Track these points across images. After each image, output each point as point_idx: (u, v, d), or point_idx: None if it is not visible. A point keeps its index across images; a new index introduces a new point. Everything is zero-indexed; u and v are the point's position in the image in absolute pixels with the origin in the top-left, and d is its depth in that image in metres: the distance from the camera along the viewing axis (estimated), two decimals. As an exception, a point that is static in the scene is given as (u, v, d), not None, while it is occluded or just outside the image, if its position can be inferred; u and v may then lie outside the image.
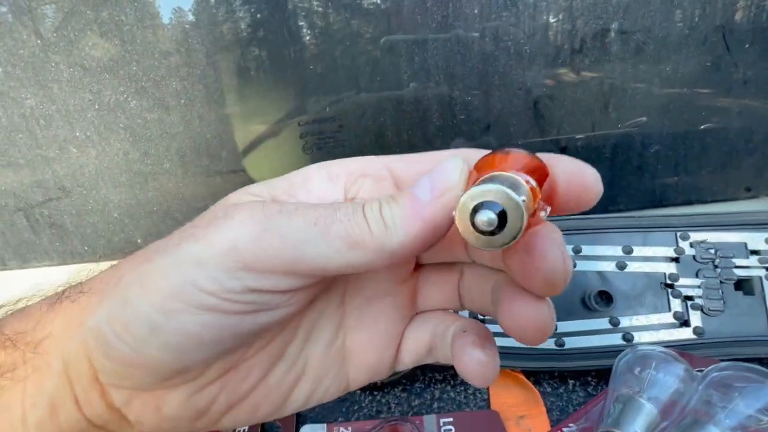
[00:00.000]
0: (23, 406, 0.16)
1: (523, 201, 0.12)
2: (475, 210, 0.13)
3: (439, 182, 0.15)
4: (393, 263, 0.15)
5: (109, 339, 0.15)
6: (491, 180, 0.13)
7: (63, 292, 0.17)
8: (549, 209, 0.14)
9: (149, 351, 0.15)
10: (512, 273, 0.16)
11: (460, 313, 0.22)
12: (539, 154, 0.15)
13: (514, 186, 0.13)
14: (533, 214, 0.13)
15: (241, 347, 0.18)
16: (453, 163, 0.15)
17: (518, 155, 0.14)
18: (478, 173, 0.14)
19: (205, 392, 0.17)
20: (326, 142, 0.47)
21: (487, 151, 0.15)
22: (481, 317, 0.34)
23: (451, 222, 0.14)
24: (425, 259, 0.20)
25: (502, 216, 0.12)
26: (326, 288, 0.19)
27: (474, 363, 0.17)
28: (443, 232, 0.15)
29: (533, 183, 0.14)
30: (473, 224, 0.13)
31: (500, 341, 0.35)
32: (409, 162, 0.18)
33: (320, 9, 0.42)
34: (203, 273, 0.15)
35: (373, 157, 0.19)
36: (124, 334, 0.15)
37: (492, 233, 0.13)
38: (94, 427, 0.17)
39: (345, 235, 0.15)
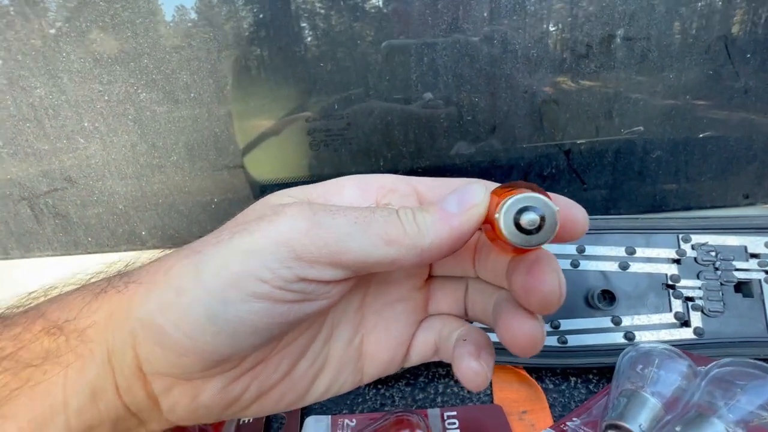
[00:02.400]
0: (65, 392, 0.16)
1: (558, 210, 0.15)
2: (520, 211, 0.15)
3: (467, 199, 0.17)
4: (422, 262, 0.17)
5: (165, 328, 0.16)
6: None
7: (108, 281, 0.18)
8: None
9: (205, 338, 0.16)
10: (514, 291, 0.18)
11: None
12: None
13: None
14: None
15: (282, 337, 0.19)
16: (478, 186, 0.17)
17: (532, 185, 0.16)
18: (498, 197, 0.16)
19: (239, 382, 0.18)
20: (334, 140, 0.47)
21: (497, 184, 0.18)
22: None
23: (472, 235, 0.17)
24: (437, 271, 0.23)
25: (542, 219, 0.15)
26: (351, 289, 0.20)
27: (469, 371, 0.19)
28: (465, 240, 0.17)
29: None
30: (517, 223, 0.15)
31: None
32: (432, 185, 0.21)
33: (323, 11, 0.43)
34: (259, 262, 0.16)
35: (401, 176, 0.21)
36: (180, 322, 0.16)
37: (530, 232, 0.15)
38: (129, 413, 0.18)
39: (382, 232, 0.16)
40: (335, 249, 0.16)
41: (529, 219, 0.15)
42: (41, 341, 0.16)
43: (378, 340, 0.22)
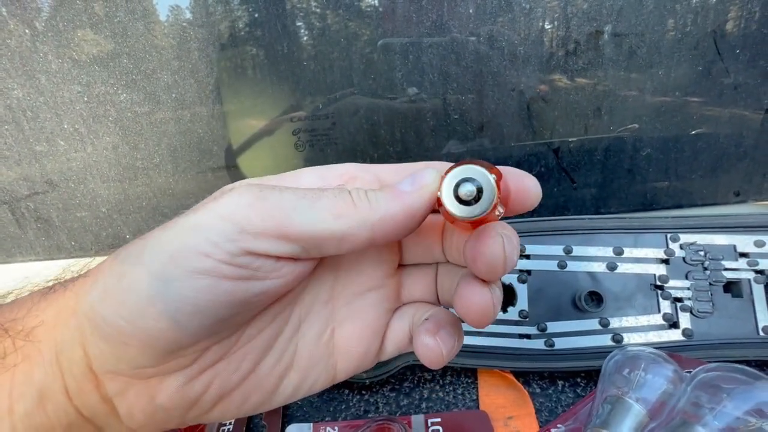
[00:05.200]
0: (11, 396, 0.16)
1: (494, 179, 0.16)
2: (458, 184, 0.16)
3: (419, 180, 0.17)
4: (374, 238, 0.17)
5: (105, 315, 0.16)
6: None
7: (60, 281, 0.18)
8: (503, 210, 0.17)
9: (146, 322, 0.15)
10: (466, 261, 0.18)
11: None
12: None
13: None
14: (494, 207, 0.16)
15: (234, 326, 0.18)
16: (429, 169, 0.18)
17: (481, 161, 0.17)
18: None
19: (198, 381, 0.18)
20: (319, 140, 0.46)
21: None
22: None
23: (426, 214, 0.17)
24: (408, 259, 0.22)
25: (479, 190, 0.16)
26: (317, 279, 0.20)
27: (423, 347, 0.19)
28: (417, 219, 0.17)
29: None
30: (456, 194, 0.16)
31: (492, 341, 0.35)
32: (395, 171, 0.20)
33: (318, 10, 0.42)
34: (202, 236, 0.16)
35: (363, 164, 0.20)
36: (120, 307, 0.15)
37: (470, 203, 0.16)
38: (82, 419, 0.17)
39: (331, 207, 0.16)
40: (280, 221, 0.16)
41: (466, 190, 0.16)
42: None
43: (350, 333, 0.21)
